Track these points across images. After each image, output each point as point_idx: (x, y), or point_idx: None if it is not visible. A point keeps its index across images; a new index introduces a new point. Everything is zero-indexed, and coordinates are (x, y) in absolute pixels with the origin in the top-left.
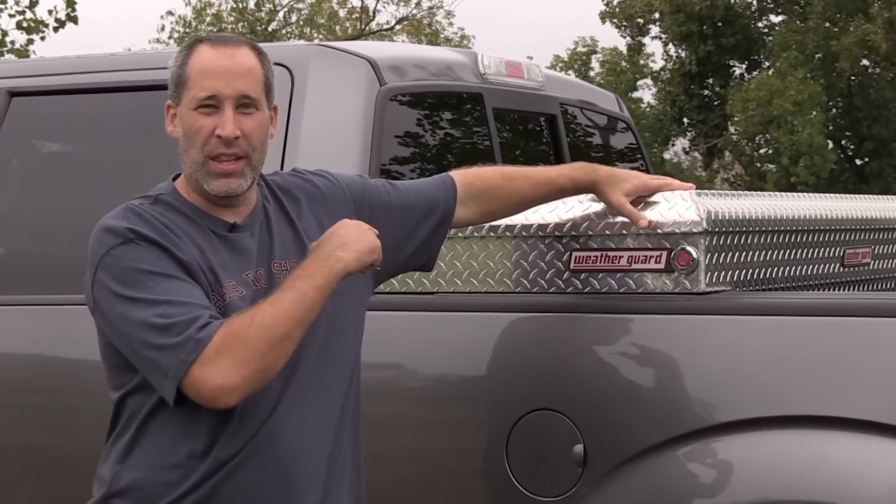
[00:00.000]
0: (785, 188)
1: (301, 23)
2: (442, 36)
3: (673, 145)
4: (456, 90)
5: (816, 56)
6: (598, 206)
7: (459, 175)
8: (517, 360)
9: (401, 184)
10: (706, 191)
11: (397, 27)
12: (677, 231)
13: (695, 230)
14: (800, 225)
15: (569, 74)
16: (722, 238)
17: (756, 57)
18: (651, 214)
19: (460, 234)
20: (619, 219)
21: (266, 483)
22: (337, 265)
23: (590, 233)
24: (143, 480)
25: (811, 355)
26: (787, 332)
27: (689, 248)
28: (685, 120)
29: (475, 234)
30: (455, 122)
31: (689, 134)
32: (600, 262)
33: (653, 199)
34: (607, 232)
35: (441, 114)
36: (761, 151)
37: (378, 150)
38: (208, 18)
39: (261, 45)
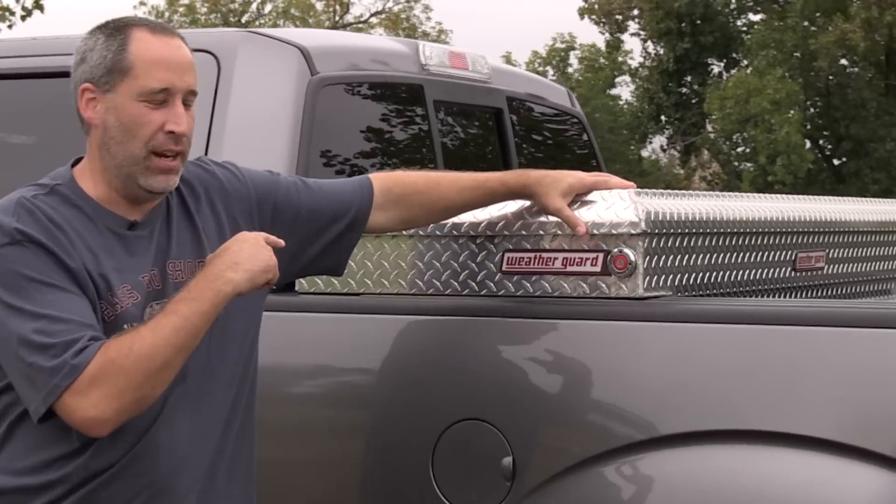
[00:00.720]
0: (762, 187)
1: (275, 14)
2: (420, 30)
3: (650, 143)
4: (394, 80)
5: (795, 55)
6: (532, 206)
7: (379, 178)
8: (445, 366)
9: (314, 183)
10: (646, 190)
11: (373, 20)
12: (614, 232)
13: (633, 231)
14: (747, 227)
15: (546, 70)
16: (662, 240)
17: (734, 55)
18: (588, 214)
19: (388, 234)
20: (555, 219)
21: (142, 493)
22: (225, 287)
23: (523, 232)
24: (11, 485)
25: (756, 366)
26: (730, 341)
27: (627, 251)
28: (663, 117)
29: (404, 232)
30: (393, 114)
31: (666, 131)
32: (534, 263)
33: (590, 197)
34: (541, 232)
35: (378, 105)
36: (739, 150)
37: (308, 144)
38: (181, 9)
39: (184, 30)
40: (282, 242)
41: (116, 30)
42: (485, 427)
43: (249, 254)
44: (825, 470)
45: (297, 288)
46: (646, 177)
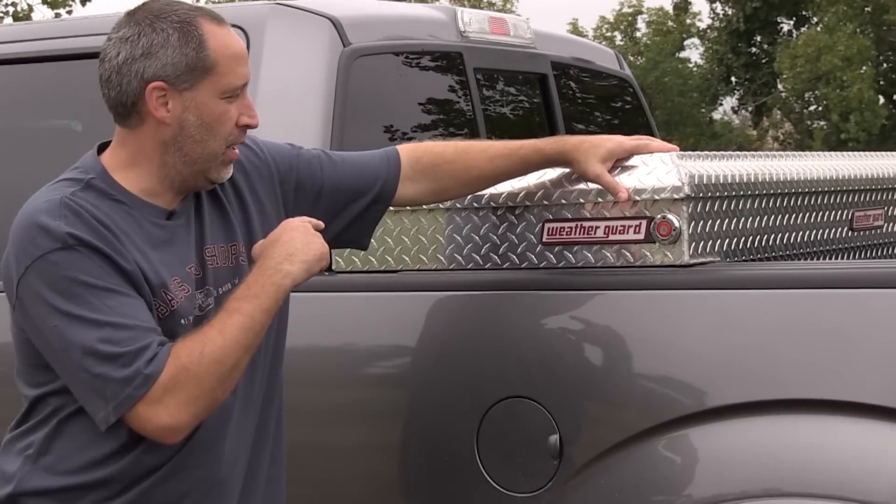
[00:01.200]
0: (835, 145)
1: None
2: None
3: (721, 105)
4: (432, 49)
5: (865, 9)
6: (571, 174)
7: (407, 149)
8: (487, 343)
9: (338, 156)
10: (689, 153)
11: None
12: (657, 198)
13: (676, 196)
14: (797, 187)
15: (614, 36)
16: (707, 204)
17: (804, 12)
18: (628, 180)
19: (424, 207)
20: (595, 187)
21: (198, 487)
22: (284, 281)
23: (563, 201)
24: (62, 484)
25: (809, 333)
26: (781, 308)
27: (671, 217)
28: (733, 79)
29: (440, 206)
30: (431, 84)
31: (737, 93)
32: (575, 233)
33: (631, 162)
34: (581, 200)
35: (415, 76)
36: (811, 109)
37: (342, 118)
38: None
39: (211, 6)
40: (322, 224)
41: (188, 24)
42: (530, 405)
43: (302, 243)
44: (882, 438)
45: (333, 267)
46: (718, 139)
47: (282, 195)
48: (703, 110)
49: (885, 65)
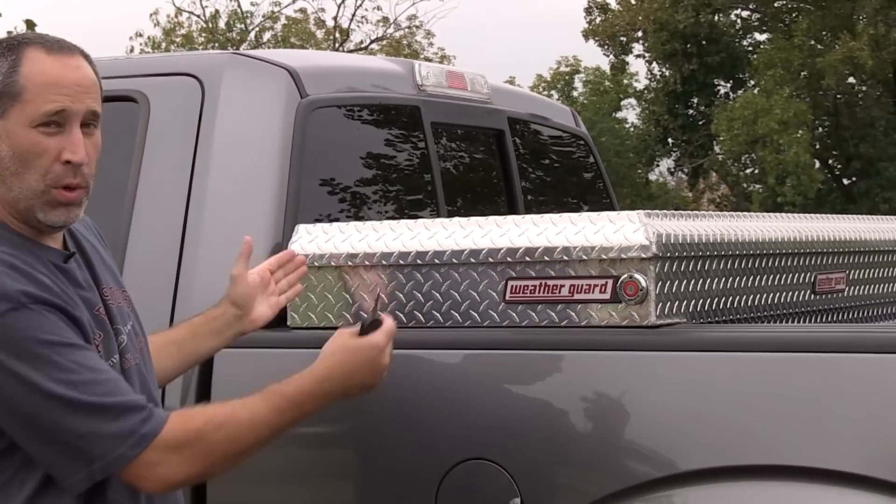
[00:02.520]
0: (771, 209)
1: (274, 42)
2: (422, 56)
3: (658, 166)
4: (389, 102)
5: (802, 74)
6: (535, 231)
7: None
8: (447, 403)
9: None
10: (657, 211)
11: (374, 46)
12: (624, 257)
13: (644, 255)
14: (765, 248)
15: (551, 94)
16: (675, 264)
17: (741, 75)
18: (595, 238)
19: (384, 263)
20: (561, 243)
21: None
22: (334, 400)
23: (526, 259)
24: None
25: (778, 396)
26: (750, 371)
27: (638, 276)
28: (670, 140)
29: (400, 262)
30: (389, 137)
31: (673, 154)
32: (539, 291)
33: (598, 220)
34: (546, 258)
35: (372, 129)
36: (747, 171)
37: (298, 170)
38: (178, 39)
39: (166, 54)
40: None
41: (9, 49)
42: (490, 467)
43: (374, 375)
44: None
45: (288, 323)
46: (654, 200)
47: None
48: (640, 171)
49: (820, 129)
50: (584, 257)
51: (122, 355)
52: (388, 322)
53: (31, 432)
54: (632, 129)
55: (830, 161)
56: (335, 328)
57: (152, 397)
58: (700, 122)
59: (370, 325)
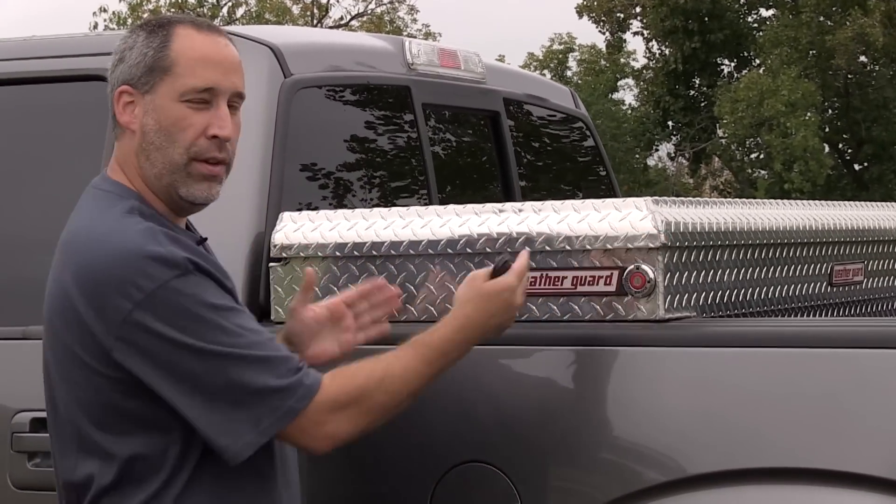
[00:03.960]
0: (777, 196)
1: (247, 19)
2: (405, 33)
3: (657, 150)
4: (378, 82)
5: (810, 52)
6: (535, 218)
7: None
8: (442, 402)
9: None
10: (665, 198)
11: (354, 23)
12: (630, 246)
13: (651, 245)
14: (779, 237)
15: (543, 74)
16: (684, 254)
17: (746, 54)
18: (600, 227)
19: (374, 253)
20: (563, 232)
21: None
22: (477, 343)
23: (527, 248)
24: None
25: (793, 395)
26: (763, 367)
27: (645, 267)
28: (670, 123)
29: (392, 252)
30: (377, 119)
31: (674, 138)
32: (540, 283)
33: (603, 207)
34: (547, 248)
35: (360, 110)
36: (752, 156)
37: (282, 154)
38: (145, 15)
39: None
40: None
41: (159, 26)
42: (488, 470)
43: (510, 318)
44: None
45: (272, 317)
46: (652, 187)
47: None
48: (638, 156)
49: (830, 111)
50: (588, 247)
51: None
52: (521, 260)
53: (199, 398)
54: (629, 111)
55: (841, 145)
56: None
57: None
58: (702, 104)
59: (501, 268)
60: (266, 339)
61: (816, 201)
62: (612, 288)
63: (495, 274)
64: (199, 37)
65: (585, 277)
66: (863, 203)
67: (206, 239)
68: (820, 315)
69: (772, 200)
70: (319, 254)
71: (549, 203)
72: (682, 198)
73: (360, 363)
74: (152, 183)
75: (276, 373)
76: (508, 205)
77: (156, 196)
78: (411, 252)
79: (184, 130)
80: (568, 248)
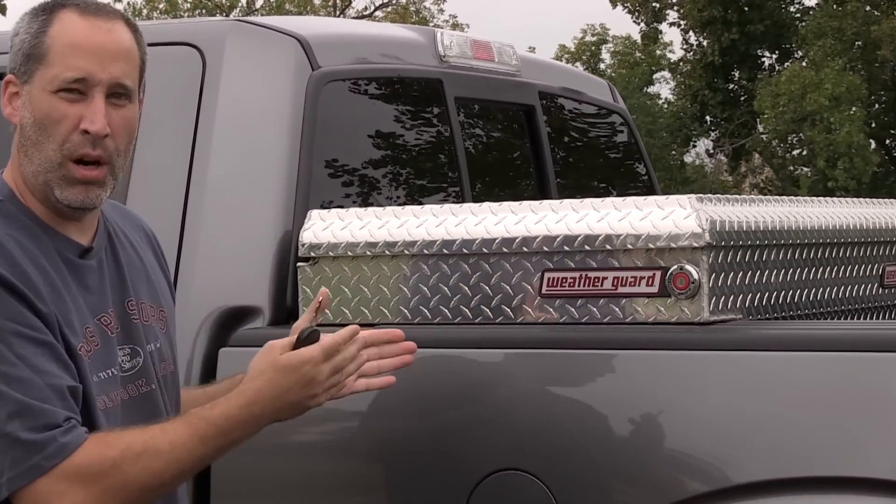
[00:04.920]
0: (821, 194)
1: (268, 9)
2: (431, 24)
3: (694, 146)
4: (409, 75)
5: (855, 44)
6: (575, 217)
7: None
8: (478, 408)
9: None
10: (709, 195)
11: (378, 14)
12: (674, 246)
13: (696, 244)
14: (828, 237)
15: (576, 67)
16: (730, 254)
17: (787, 45)
18: (642, 225)
19: (406, 252)
20: (604, 231)
21: None
22: (264, 426)
23: (565, 248)
24: None
25: (845, 400)
26: (812, 372)
27: (689, 268)
28: (708, 118)
29: (425, 251)
30: (408, 113)
31: (712, 133)
32: (579, 284)
33: (645, 205)
34: (587, 247)
35: (390, 104)
36: (794, 153)
37: (310, 148)
38: (161, 5)
39: (164, 21)
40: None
41: (43, 10)
42: (525, 478)
43: (308, 396)
44: None
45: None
46: (690, 185)
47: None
48: (674, 152)
49: (877, 105)
50: (630, 246)
51: (133, 379)
52: (336, 336)
53: None
54: (665, 106)
55: (888, 141)
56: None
57: None
58: (741, 98)
59: (306, 339)
60: (46, 384)
61: (867, 199)
62: (655, 289)
63: (298, 345)
64: (79, 22)
65: (626, 278)
66: None
67: (89, 249)
68: (871, 318)
69: (819, 198)
70: (350, 253)
71: (588, 201)
72: (727, 195)
73: (124, 432)
74: (29, 181)
75: (28, 423)
76: (547, 203)
77: (33, 196)
78: (445, 252)
79: (57, 124)
80: (608, 247)
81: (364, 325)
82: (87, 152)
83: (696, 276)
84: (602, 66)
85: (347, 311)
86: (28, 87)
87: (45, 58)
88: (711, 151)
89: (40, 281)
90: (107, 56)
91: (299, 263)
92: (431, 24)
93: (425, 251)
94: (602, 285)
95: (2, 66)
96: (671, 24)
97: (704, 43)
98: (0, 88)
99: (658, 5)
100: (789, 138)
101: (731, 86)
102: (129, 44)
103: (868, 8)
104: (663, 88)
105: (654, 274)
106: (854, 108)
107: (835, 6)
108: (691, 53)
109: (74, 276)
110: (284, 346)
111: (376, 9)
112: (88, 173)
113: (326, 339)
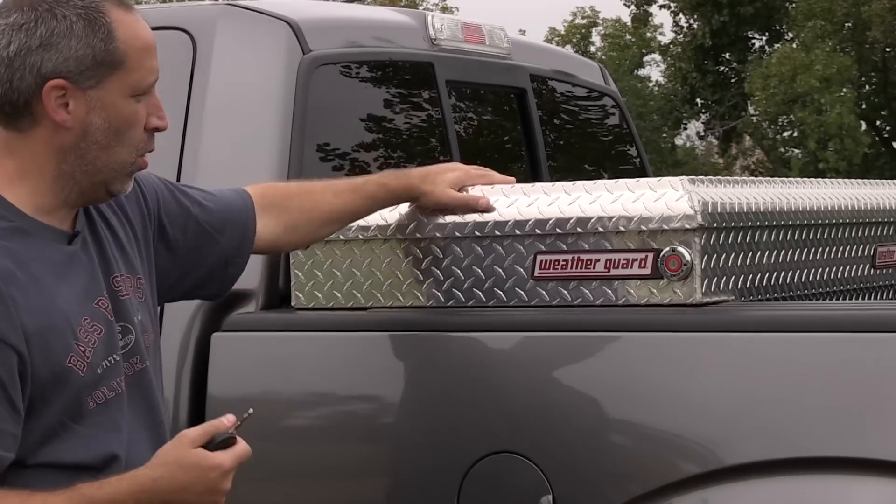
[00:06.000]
0: (812, 176)
1: None
2: (421, 7)
3: (685, 129)
4: (400, 58)
5: (846, 25)
6: (567, 199)
7: (249, 186)
8: (471, 391)
9: (204, 191)
10: (701, 177)
11: None
12: (666, 227)
13: (688, 226)
14: (820, 218)
15: (566, 49)
16: (722, 236)
17: (777, 27)
18: (634, 207)
19: (399, 236)
20: (595, 213)
21: None
22: None
23: (557, 231)
24: None
25: (837, 381)
26: (805, 353)
27: (682, 249)
28: (698, 100)
29: (417, 234)
30: (399, 97)
31: (703, 116)
32: (571, 266)
33: (636, 187)
34: (579, 230)
35: (381, 87)
36: (785, 134)
37: (301, 132)
38: None
39: (151, 6)
40: (249, 452)
41: (93, 10)
42: (519, 461)
43: (208, 499)
44: None
45: (293, 303)
46: (681, 167)
47: (154, 227)
48: (665, 135)
49: (867, 87)
50: (622, 228)
51: (129, 357)
52: (242, 445)
53: None
54: (656, 88)
55: (878, 122)
56: (345, 309)
57: (155, 404)
58: (732, 80)
59: (221, 443)
60: None
61: (858, 180)
62: (647, 271)
63: (212, 447)
64: (136, 23)
65: (619, 260)
66: None
67: (77, 234)
68: (863, 298)
69: (811, 179)
70: (342, 237)
71: (580, 183)
72: (719, 177)
73: (6, 497)
74: (75, 180)
75: None
76: (539, 185)
77: (52, 195)
78: (437, 235)
79: (134, 127)
80: (601, 229)
81: (356, 310)
82: (152, 147)
83: (688, 257)
84: (592, 48)
85: (339, 295)
86: (97, 91)
87: (122, 64)
88: (702, 134)
89: (20, 298)
90: (156, 50)
91: None
92: (421, 7)
93: (418, 234)
94: (595, 268)
95: None
96: (661, 7)
97: (695, 25)
98: (37, 89)
99: None
100: (780, 120)
101: (722, 68)
102: None
103: None
104: (654, 71)
105: (647, 256)
106: (845, 90)
107: None
108: (682, 36)
109: (65, 266)
110: (195, 439)
111: None
112: (145, 162)
113: (240, 448)
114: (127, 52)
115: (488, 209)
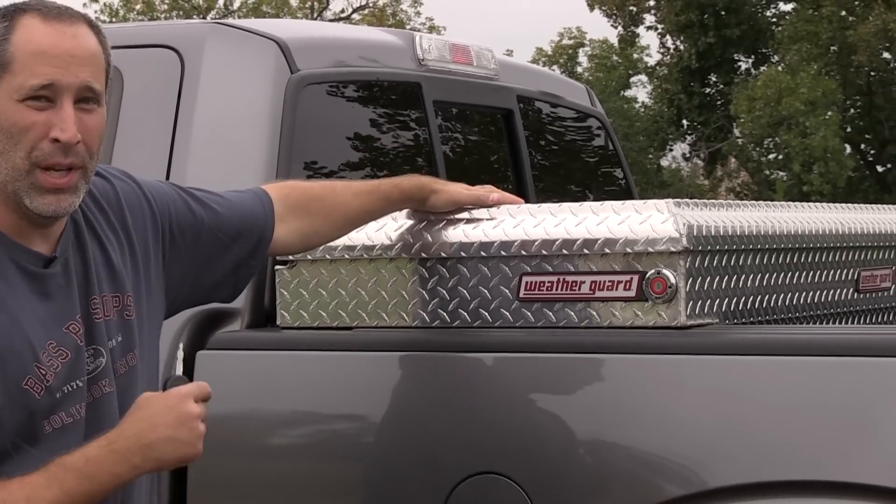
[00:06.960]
0: (797, 198)
1: (245, 11)
2: (408, 27)
3: (671, 150)
4: (387, 78)
5: (831, 48)
6: (553, 221)
7: (273, 188)
8: (455, 412)
9: (217, 196)
10: (686, 200)
11: (355, 16)
12: (651, 250)
13: (673, 249)
14: (804, 242)
15: (553, 70)
16: (707, 259)
17: (763, 50)
18: (619, 230)
19: (384, 256)
20: (581, 235)
21: None
22: (126, 475)
23: (543, 252)
24: None
25: (820, 405)
26: (789, 376)
27: (666, 272)
28: (684, 121)
29: (403, 255)
30: (386, 117)
31: (689, 137)
32: (557, 288)
33: (622, 210)
34: (564, 251)
35: (369, 107)
36: (770, 157)
37: (288, 153)
38: (138, 6)
39: (142, 24)
40: (209, 392)
41: (3, 16)
42: (502, 481)
43: (167, 436)
44: None
45: (278, 322)
46: (666, 188)
47: (162, 239)
48: (651, 156)
49: (852, 110)
50: (607, 251)
51: (95, 381)
52: (203, 383)
53: None
54: (642, 110)
55: (863, 146)
56: (330, 328)
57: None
58: (718, 102)
59: (173, 383)
60: None
61: (842, 204)
62: (632, 293)
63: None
64: (42, 27)
65: (604, 282)
66: (890, 206)
67: (53, 259)
68: (846, 322)
69: (796, 203)
70: (328, 256)
71: (566, 205)
72: (705, 200)
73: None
74: (2, 191)
75: None
76: (525, 207)
77: (5, 206)
78: (423, 255)
79: (25, 132)
80: (586, 251)
81: (341, 329)
82: (58, 161)
83: (673, 280)
84: (579, 69)
85: (325, 315)
86: None
87: (9, 66)
88: (688, 155)
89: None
90: (73, 61)
91: (277, 267)
92: (408, 27)
93: (404, 255)
94: (580, 289)
95: None
96: (648, 28)
97: (681, 47)
98: None
99: (635, 9)
100: (765, 142)
101: (708, 90)
102: (95, 47)
103: (843, 13)
104: (640, 92)
105: (632, 278)
106: (829, 113)
107: (810, 11)
108: (668, 57)
109: (36, 289)
110: (148, 394)
111: (353, 11)
112: (58, 181)
113: (197, 383)
114: (15, 54)
115: (500, 203)
